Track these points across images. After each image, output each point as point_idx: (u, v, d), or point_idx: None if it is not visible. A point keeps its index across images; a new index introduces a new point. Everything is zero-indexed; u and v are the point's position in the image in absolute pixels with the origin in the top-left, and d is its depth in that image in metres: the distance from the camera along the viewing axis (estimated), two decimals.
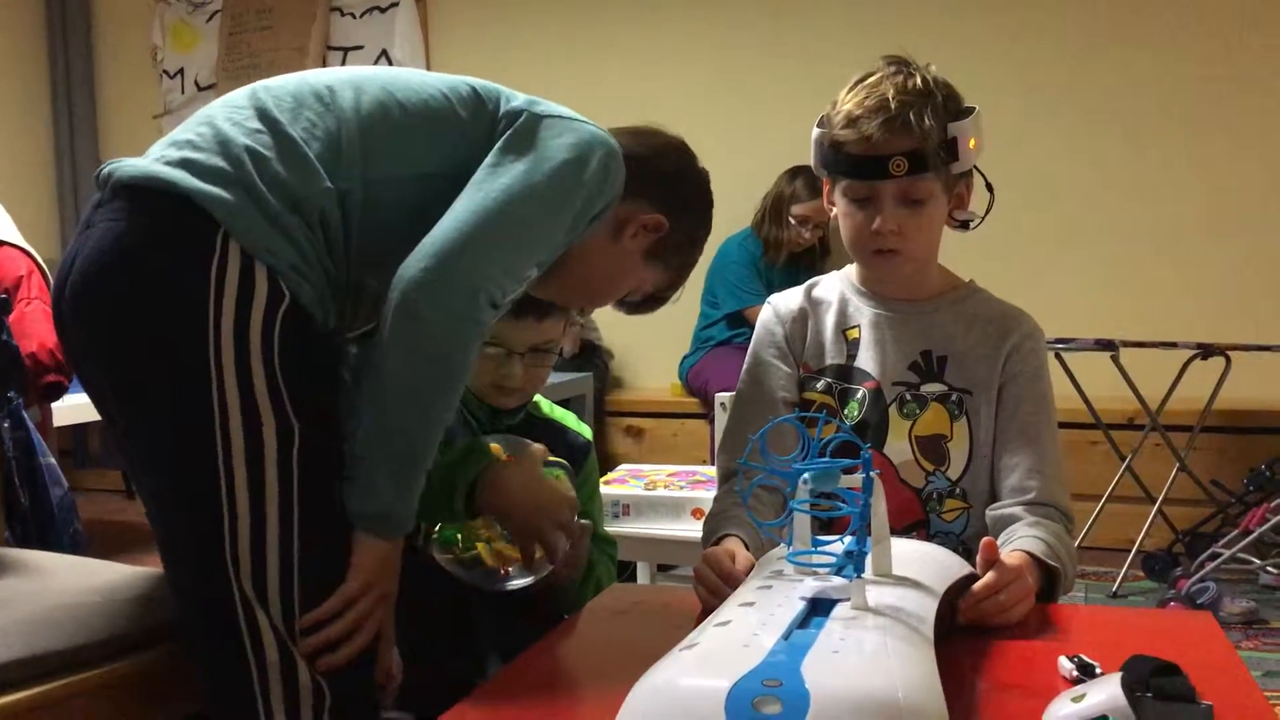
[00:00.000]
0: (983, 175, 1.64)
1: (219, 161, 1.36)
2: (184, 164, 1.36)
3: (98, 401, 1.43)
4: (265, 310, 1.33)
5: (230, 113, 1.42)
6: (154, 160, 1.39)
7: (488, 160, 1.44)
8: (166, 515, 1.41)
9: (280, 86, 1.46)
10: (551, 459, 1.66)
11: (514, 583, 1.63)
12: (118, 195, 1.37)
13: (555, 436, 1.86)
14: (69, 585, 1.54)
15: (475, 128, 1.47)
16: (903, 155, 1.52)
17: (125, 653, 1.45)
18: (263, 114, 1.41)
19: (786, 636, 0.97)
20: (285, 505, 1.34)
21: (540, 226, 1.43)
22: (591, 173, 1.45)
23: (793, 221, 4.39)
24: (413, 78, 1.50)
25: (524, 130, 1.46)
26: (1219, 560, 3.36)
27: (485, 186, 1.41)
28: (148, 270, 1.34)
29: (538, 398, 1.88)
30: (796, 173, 4.36)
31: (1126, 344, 3.64)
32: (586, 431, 1.92)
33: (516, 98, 1.52)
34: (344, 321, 1.46)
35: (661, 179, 1.60)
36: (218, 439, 1.32)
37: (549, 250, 1.47)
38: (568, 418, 1.92)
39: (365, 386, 1.39)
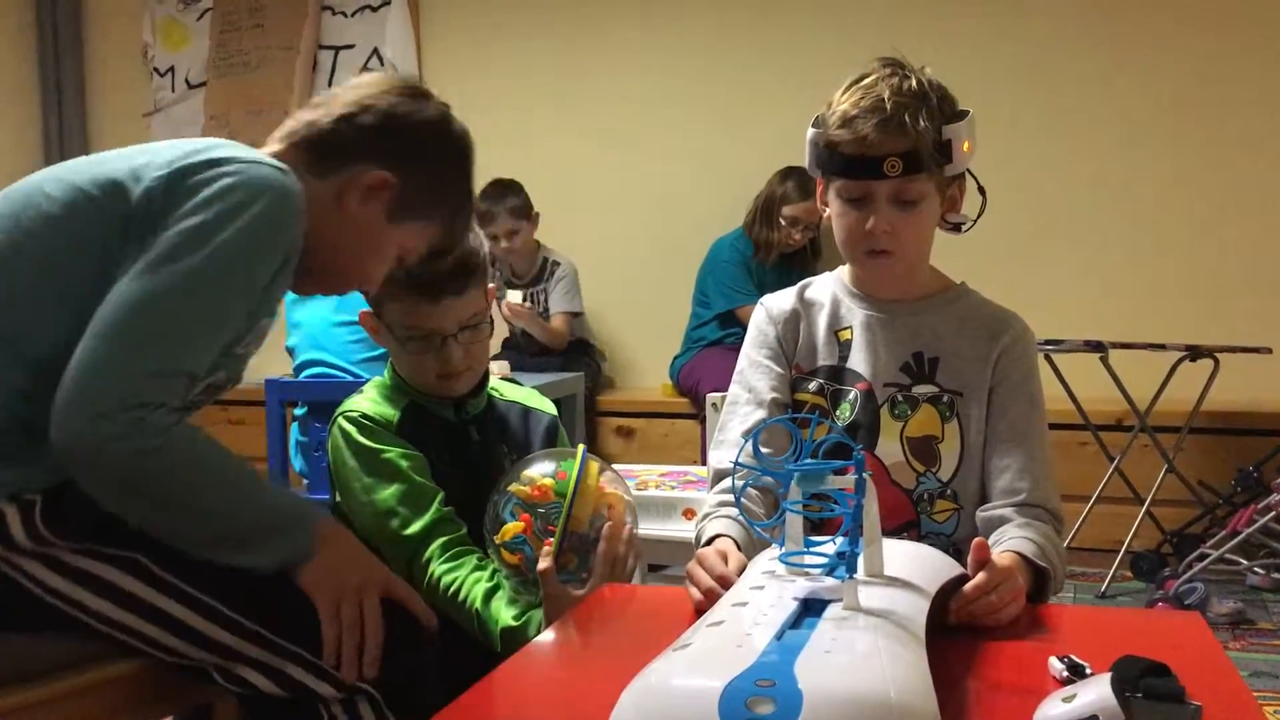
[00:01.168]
0: (975, 178, 1.65)
1: None
2: None
3: None
4: (24, 525, 1.32)
5: None
6: None
7: (127, 266, 1.32)
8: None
9: None
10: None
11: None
12: None
13: (520, 419, 1.86)
14: None
15: (112, 233, 1.35)
16: (897, 156, 1.52)
17: (113, 656, 1.43)
18: None
19: (779, 637, 0.98)
20: (197, 605, 1.36)
21: (188, 316, 1.32)
22: (252, 226, 1.33)
23: (783, 222, 4.40)
24: (51, 197, 1.38)
25: (157, 212, 1.34)
26: (1207, 561, 3.38)
27: (112, 300, 1.30)
28: None
29: (496, 382, 1.89)
30: (788, 174, 4.36)
31: (1115, 345, 3.65)
32: (550, 407, 1.93)
33: (156, 166, 1.37)
34: None
35: (371, 133, 1.49)
36: (88, 619, 1.35)
37: (226, 321, 1.36)
38: (530, 397, 1.92)
39: None
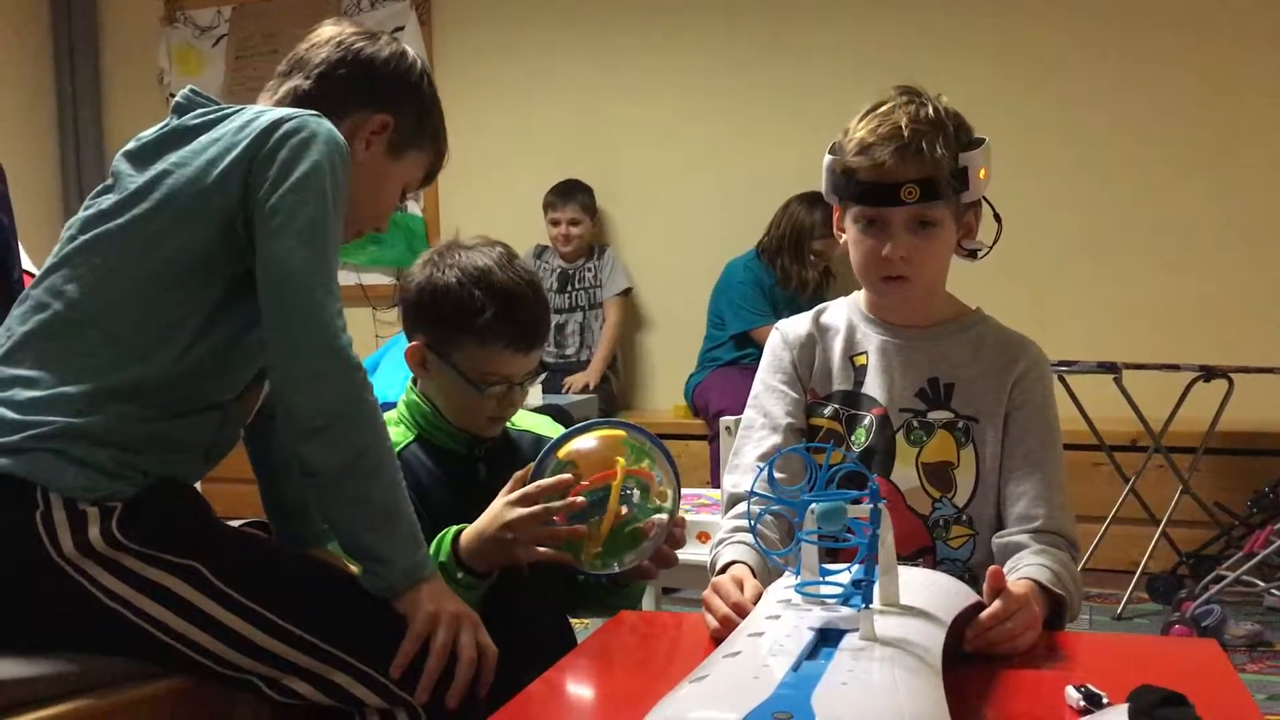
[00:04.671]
0: (991, 205, 1.65)
1: (12, 437, 1.36)
2: None
3: None
4: (101, 529, 1.36)
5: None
6: None
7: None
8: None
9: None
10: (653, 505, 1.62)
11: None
12: None
13: (531, 448, 1.83)
14: None
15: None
16: (914, 183, 1.53)
17: (151, 676, 1.44)
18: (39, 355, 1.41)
19: (796, 668, 0.98)
20: (251, 615, 1.38)
21: (325, 259, 1.42)
22: (329, 168, 1.44)
23: (813, 258, 4.40)
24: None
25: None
26: (1223, 583, 3.36)
27: (270, 267, 1.41)
28: None
29: None
30: (814, 204, 4.30)
31: (1129, 366, 3.65)
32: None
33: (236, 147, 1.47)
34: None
35: (354, 82, 1.59)
36: (142, 622, 1.37)
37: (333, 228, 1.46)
38: (541, 425, 1.91)
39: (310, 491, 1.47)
